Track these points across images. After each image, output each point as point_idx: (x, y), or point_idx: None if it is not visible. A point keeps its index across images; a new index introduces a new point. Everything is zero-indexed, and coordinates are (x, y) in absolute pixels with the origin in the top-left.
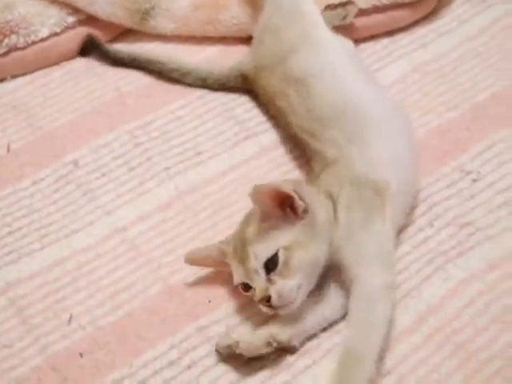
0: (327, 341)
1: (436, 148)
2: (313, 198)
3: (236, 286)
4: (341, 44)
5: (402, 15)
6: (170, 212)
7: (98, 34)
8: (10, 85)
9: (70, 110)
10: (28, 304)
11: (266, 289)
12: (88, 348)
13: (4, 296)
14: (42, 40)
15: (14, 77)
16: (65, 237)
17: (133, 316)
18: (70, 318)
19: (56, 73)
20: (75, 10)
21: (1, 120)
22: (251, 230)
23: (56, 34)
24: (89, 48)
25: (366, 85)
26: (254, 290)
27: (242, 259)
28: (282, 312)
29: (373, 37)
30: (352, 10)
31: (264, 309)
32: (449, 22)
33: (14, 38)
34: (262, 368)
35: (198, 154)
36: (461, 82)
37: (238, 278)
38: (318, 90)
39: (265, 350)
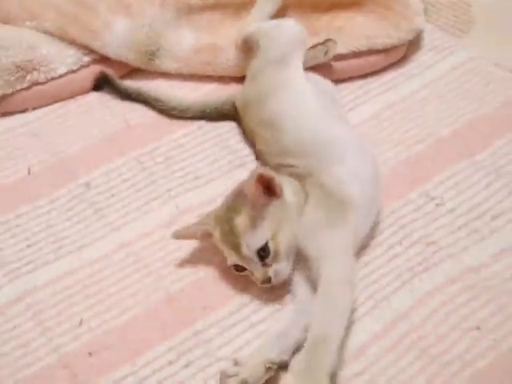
0: None
1: (404, 176)
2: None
3: (229, 267)
4: (313, 85)
5: (376, 60)
6: (171, 229)
7: (109, 71)
8: (31, 115)
9: (84, 138)
10: (43, 309)
11: (265, 272)
12: (96, 348)
13: (22, 302)
14: (61, 76)
15: (34, 108)
16: (77, 249)
17: (136, 320)
18: (81, 321)
19: (72, 105)
20: (90, 51)
21: (23, 146)
22: (241, 221)
23: (73, 72)
24: (102, 83)
25: (333, 122)
26: (252, 273)
27: (235, 247)
28: (277, 284)
29: (350, 78)
30: (332, 46)
31: (263, 286)
32: (416, 67)
33: (35, 74)
34: None
35: (197, 178)
36: (426, 119)
37: (231, 261)
38: (290, 129)
39: (268, 376)
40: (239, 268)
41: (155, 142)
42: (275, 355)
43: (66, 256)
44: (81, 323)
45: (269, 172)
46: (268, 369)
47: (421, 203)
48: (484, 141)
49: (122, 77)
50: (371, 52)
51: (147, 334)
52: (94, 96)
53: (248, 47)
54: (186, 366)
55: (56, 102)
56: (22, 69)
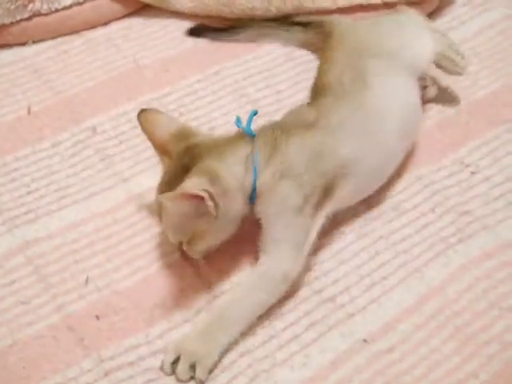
0: (333, 313)
1: (437, 140)
2: (226, 180)
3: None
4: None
5: None
6: None
7: (118, 7)
8: (31, 49)
9: (89, 77)
10: (45, 263)
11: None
12: (104, 311)
13: (22, 254)
14: (65, 8)
15: (35, 42)
16: (83, 199)
17: (149, 283)
18: (87, 279)
19: (76, 41)
20: None
21: (22, 82)
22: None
23: (79, 4)
24: (197, 32)
25: None
26: None
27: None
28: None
29: None
30: None
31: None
32: (449, 21)
33: (38, 3)
34: (271, 338)
35: (212, 128)
36: (460, 79)
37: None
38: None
39: None
40: None
41: (167, 87)
42: None
43: (70, 206)
44: (87, 282)
45: (199, 192)
46: None
47: (454, 170)
48: None
49: (130, 14)
50: (403, 3)
51: (161, 299)
52: (101, 32)
53: None
54: None
55: (59, 36)
56: None
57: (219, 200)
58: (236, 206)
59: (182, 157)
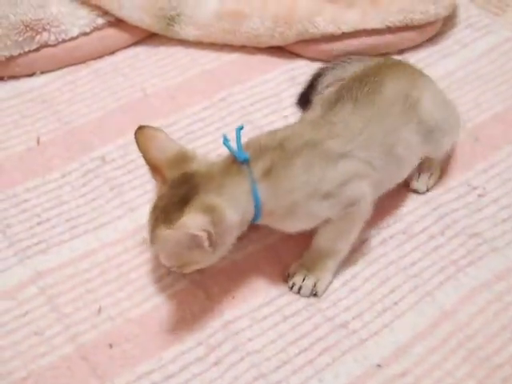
0: (346, 339)
1: (443, 163)
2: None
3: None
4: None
5: (411, 36)
6: None
7: (124, 37)
8: (39, 80)
9: (97, 107)
10: (58, 293)
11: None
12: (117, 339)
13: (34, 285)
14: (72, 39)
15: (43, 72)
16: (93, 229)
17: (161, 309)
18: (100, 309)
19: (84, 71)
20: (105, 13)
21: (30, 113)
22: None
23: (85, 34)
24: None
25: None
26: None
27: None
28: None
29: (383, 54)
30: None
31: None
32: (451, 45)
33: (45, 35)
34: (284, 363)
35: (220, 156)
36: (463, 102)
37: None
38: None
39: None
40: None
41: (174, 115)
42: None
43: (81, 236)
44: (99, 311)
45: (198, 232)
46: None
47: (462, 192)
48: None
49: (137, 43)
50: (406, 28)
51: (172, 325)
52: (108, 61)
53: None
54: (216, 363)
55: (66, 66)
56: (30, 29)
57: (218, 238)
58: (233, 237)
59: (179, 185)
